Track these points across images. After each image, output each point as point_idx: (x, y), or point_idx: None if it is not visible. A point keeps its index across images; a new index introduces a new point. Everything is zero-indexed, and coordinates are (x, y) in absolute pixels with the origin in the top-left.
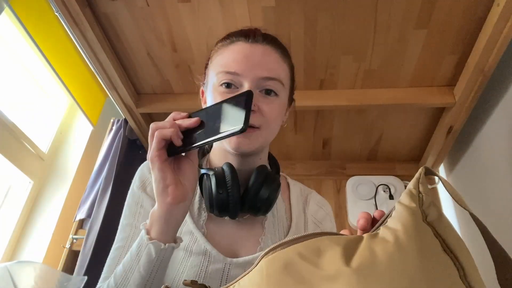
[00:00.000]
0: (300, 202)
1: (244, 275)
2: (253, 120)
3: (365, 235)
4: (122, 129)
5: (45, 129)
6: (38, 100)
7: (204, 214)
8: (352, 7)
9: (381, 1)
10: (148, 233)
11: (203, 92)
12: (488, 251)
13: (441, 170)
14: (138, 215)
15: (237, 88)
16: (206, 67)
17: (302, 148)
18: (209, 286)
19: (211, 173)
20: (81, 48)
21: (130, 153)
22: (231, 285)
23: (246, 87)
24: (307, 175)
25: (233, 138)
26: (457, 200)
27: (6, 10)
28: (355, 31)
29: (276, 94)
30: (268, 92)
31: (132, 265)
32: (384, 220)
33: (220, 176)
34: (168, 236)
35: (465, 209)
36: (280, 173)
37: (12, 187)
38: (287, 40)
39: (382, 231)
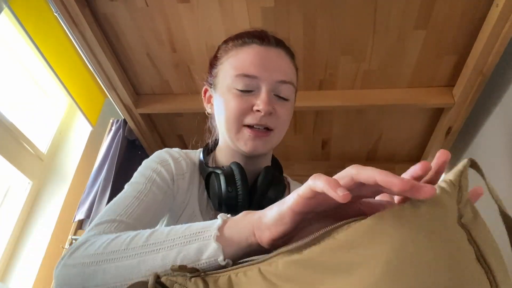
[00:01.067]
0: None
1: (254, 263)
2: (269, 122)
3: (388, 213)
4: (121, 129)
5: (44, 129)
6: (37, 101)
7: (211, 212)
8: (351, 7)
9: (380, 2)
10: (220, 230)
11: (206, 91)
12: None
13: None
14: (153, 181)
15: (253, 91)
16: (212, 66)
17: (301, 149)
18: (200, 269)
19: (219, 171)
20: (80, 49)
21: (129, 154)
22: (231, 270)
23: (263, 90)
24: (306, 175)
25: (249, 141)
26: (495, 196)
27: (5, 11)
28: (354, 32)
29: (288, 98)
30: (282, 96)
31: (176, 241)
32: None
33: (229, 174)
34: (232, 252)
35: (500, 206)
36: None
37: (12, 187)
38: (286, 41)
39: (409, 214)
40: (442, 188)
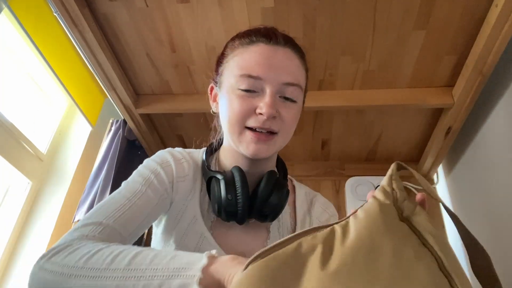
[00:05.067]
0: (305, 205)
1: None
2: (273, 125)
3: (336, 228)
4: (121, 129)
5: (44, 129)
6: (37, 101)
7: (212, 216)
8: (351, 8)
9: (380, 2)
10: (204, 270)
11: (212, 89)
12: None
13: (440, 171)
14: (150, 183)
15: (257, 92)
16: (218, 64)
17: (301, 149)
18: None
19: (220, 177)
20: (80, 49)
21: (129, 154)
22: None
23: (267, 92)
24: (306, 175)
25: (251, 144)
26: (428, 190)
27: (5, 11)
28: (354, 32)
29: (295, 100)
30: (288, 98)
31: (158, 272)
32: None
33: (229, 181)
34: None
35: (436, 200)
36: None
37: (11, 188)
38: None
39: (352, 224)
40: (373, 197)
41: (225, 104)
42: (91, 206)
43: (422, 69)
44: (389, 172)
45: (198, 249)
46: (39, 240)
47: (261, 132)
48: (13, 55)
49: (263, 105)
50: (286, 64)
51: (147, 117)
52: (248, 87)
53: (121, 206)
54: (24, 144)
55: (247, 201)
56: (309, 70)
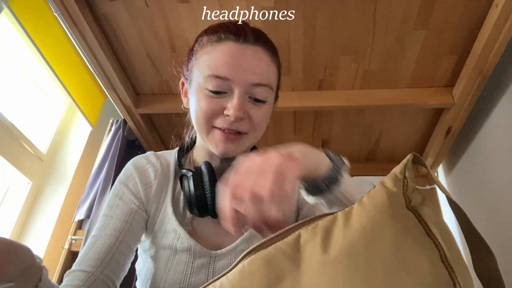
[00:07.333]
0: None
1: (222, 276)
2: (241, 126)
3: (339, 215)
4: (121, 129)
5: (44, 129)
6: (37, 101)
7: (188, 214)
8: (351, 8)
9: (380, 2)
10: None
11: (183, 84)
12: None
13: (440, 170)
14: (116, 207)
15: (226, 93)
16: (188, 59)
17: None
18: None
19: (189, 174)
20: (80, 49)
21: (129, 153)
22: (206, 286)
23: (236, 94)
24: None
25: (220, 143)
26: (440, 187)
27: (5, 11)
28: (354, 32)
29: (264, 101)
30: (257, 99)
31: None
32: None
33: (197, 177)
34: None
35: (446, 195)
36: None
37: (11, 187)
38: (286, 41)
39: (356, 211)
40: (381, 184)
41: (194, 102)
42: (91, 206)
43: (422, 69)
44: (404, 161)
45: (174, 245)
46: (39, 240)
47: (230, 132)
48: (13, 55)
49: (230, 106)
50: (255, 64)
51: (147, 117)
52: (216, 88)
53: (90, 246)
54: (24, 144)
55: (215, 195)
56: (281, 66)
